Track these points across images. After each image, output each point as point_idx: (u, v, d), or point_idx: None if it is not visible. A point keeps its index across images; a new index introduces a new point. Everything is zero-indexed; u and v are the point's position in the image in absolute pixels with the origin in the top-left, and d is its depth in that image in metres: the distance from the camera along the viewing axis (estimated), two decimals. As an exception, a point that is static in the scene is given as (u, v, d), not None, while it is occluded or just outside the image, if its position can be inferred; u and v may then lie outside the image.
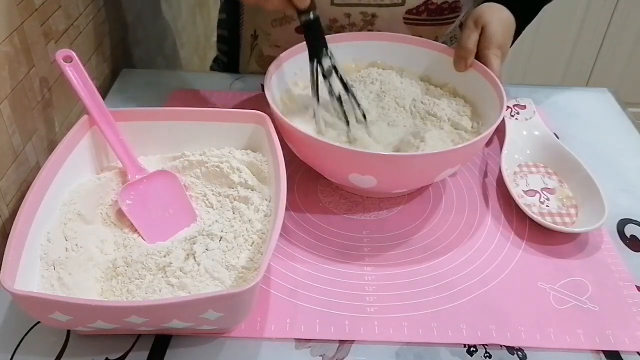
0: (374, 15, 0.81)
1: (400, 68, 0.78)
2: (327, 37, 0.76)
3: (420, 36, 0.78)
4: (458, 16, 0.85)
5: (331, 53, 0.67)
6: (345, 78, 0.68)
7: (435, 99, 0.73)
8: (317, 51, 0.66)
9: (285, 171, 0.56)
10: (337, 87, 0.67)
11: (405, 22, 0.81)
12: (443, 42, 0.78)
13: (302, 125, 0.68)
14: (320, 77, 0.67)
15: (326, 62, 0.66)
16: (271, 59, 0.71)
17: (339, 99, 0.67)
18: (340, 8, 0.80)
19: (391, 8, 0.80)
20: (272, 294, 0.57)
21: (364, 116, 0.68)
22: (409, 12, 0.80)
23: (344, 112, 0.67)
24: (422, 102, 0.73)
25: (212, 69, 1.06)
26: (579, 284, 0.59)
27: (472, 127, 0.70)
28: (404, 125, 0.70)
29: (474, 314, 0.55)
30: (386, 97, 0.73)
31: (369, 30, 0.82)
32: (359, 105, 0.68)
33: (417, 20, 0.81)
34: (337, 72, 0.67)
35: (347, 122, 0.67)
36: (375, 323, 0.54)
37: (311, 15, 0.64)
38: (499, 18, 0.72)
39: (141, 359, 0.51)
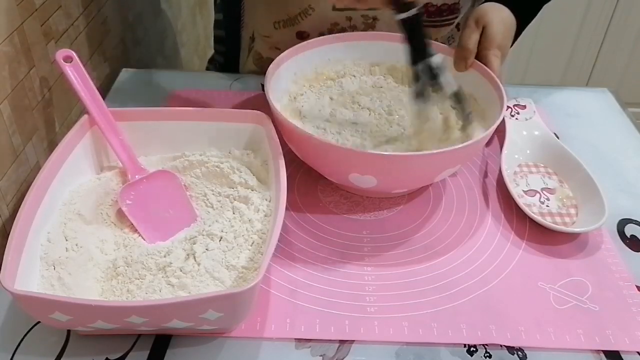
0: (375, 19, 0.81)
1: (400, 68, 0.78)
2: (327, 36, 0.76)
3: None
4: (457, 17, 0.85)
5: (434, 51, 0.60)
6: (449, 77, 0.62)
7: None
8: (423, 49, 0.59)
9: (285, 171, 0.56)
10: (450, 83, 0.62)
11: None
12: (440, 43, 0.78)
13: (302, 125, 0.68)
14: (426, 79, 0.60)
15: (435, 60, 0.60)
16: (270, 61, 0.71)
17: (457, 94, 0.62)
18: (342, 12, 0.80)
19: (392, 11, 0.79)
20: (272, 294, 0.57)
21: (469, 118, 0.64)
22: None
23: (463, 109, 0.63)
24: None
25: (208, 69, 1.06)
26: (579, 284, 0.59)
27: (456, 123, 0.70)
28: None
29: (474, 314, 0.55)
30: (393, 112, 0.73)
31: None
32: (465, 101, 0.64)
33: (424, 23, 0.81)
34: (444, 69, 0.61)
35: (469, 119, 0.62)
36: (375, 323, 0.54)
37: (412, 12, 0.56)
38: (500, 18, 0.72)
39: (141, 359, 0.51)
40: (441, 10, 0.81)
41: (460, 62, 0.72)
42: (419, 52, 0.59)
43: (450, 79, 0.62)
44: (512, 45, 0.76)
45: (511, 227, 0.65)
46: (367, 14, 0.80)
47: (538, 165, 0.73)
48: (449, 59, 0.74)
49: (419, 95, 0.61)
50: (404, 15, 0.56)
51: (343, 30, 0.82)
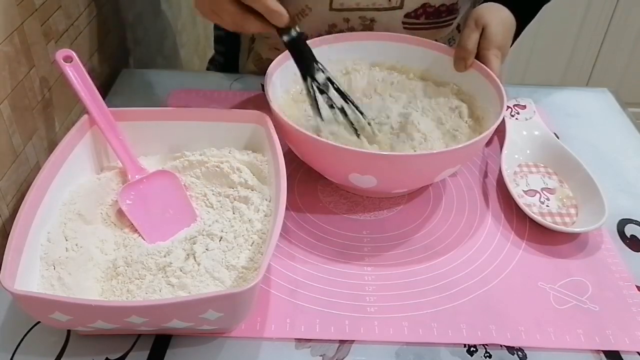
0: (372, 20, 0.81)
1: (400, 68, 0.78)
2: (327, 36, 0.76)
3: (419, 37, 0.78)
4: (456, 18, 0.85)
5: (322, 66, 0.64)
6: (343, 88, 0.66)
7: (433, 98, 0.74)
8: (308, 68, 0.63)
9: (285, 171, 0.56)
10: (336, 98, 0.65)
11: (404, 27, 0.81)
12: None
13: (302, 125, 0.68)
14: (318, 94, 0.64)
15: (320, 77, 0.64)
16: (271, 61, 0.71)
17: (343, 110, 0.65)
18: (339, 13, 0.80)
19: (390, 12, 0.79)
20: (272, 294, 0.57)
21: (369, 124, 0.66)
22: (407, 15, 0.80)
23: (352, 123, 0.65)
24: (420, 101, 0.73)
25: (208, 69, 1.06)
26: (579, 284, 0.59)
27: (466, 122, 0.70)
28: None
29: (474, 314, 0.55)
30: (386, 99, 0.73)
31: None
32: (362, 113, 0.66)
33: (415, 24, 0.81)
34: (333, 84, 0.65)
35: (357, 133, 0.65)
36: (375, 323, 0.54)
37: (293, 32, 0.61)
38: (500, 18, 0.72)
39: (141, 359, 0.51)
40: (439, 11, 0.81)
41: (460, 62, 0.72)
42: (306, 69, 0.63)
43: (336, 94, 0.65)
44: (511, 45, 0.76)
45: (511, 227, 0.65)
46: (364, 15, 0.80)
47: (538, 165, 0.73)
48: (448, 58, 0.74)
49: (312, 107, 0.65)
50: (286, 38, 0.61)
51: (341, 31, 0.81)
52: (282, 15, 0.58)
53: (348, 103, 0.66)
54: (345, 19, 0.81)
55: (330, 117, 0.66)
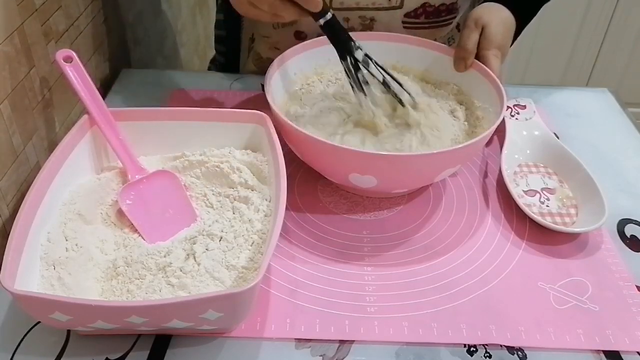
0: (372, 19, 0.81)
1: (400, 68, 0.78)
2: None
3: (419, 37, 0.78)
4: (455, 17, 0.85)
5: (359, 43, 0.66)
6: (381, 63, 0.67)
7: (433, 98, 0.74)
8: (346, 46, 0.65)
9: (285, 171, 0.56)
10: (377, 73, 0.67)
11: (403, 26, 0.81)
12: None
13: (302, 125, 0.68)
14: (361, 71, 0.66)
15: (359, 54, 0.65)
16: (270, 61, 0.71)
17: (385, 83, 0.67)
18: (339, 12, 0.80)
19: (389, 11, 0.79)
20: (272, 294, 0.57)
21: (409, 94, 0.68)
22: (407, 15, 0.80)
23: (395, 94, 0.67)
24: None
25: (209, 69, 1.06)
26: (579, 284, 0.59)
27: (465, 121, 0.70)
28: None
29: (474, 314, 0.55)
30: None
31: None
32: (401, 85, 0.68)
33: (415, 24, 0.81)
34: (371, 59, 0.66)
35: (402, 103, 0.66)
36: (375, 323, 0.54)
37: (328, 16, 0.63)
38: (499, 18, 0.72)
39: (141, 359, 0.51)
40: (439, 10, 0.81)
41: (460, 63, 0.72)
42: (343, 49, 0.65)
43: (375, 69, 0.67)
44: (511, 45, 0.76)
45: (511, 227, 0.65)
46: (364, 15, 0.80)
47: (538, 165, 0.73)
48: (448, 58, 0.74)
49: (354, 87, 0.66)
50: (322, 21, 0.63)
51: None
52: (317, 1, 0.60)
53: (390, 77, 0.67)
54: (345, 18, 0.81)
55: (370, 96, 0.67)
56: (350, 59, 0.65)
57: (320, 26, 0.63)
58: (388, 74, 0.67)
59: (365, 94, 0.66)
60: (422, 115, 0.67)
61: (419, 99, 0.69)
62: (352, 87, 0.66)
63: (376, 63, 0.67)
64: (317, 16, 0.62)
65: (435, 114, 0.69)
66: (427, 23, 0.82)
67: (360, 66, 0.65)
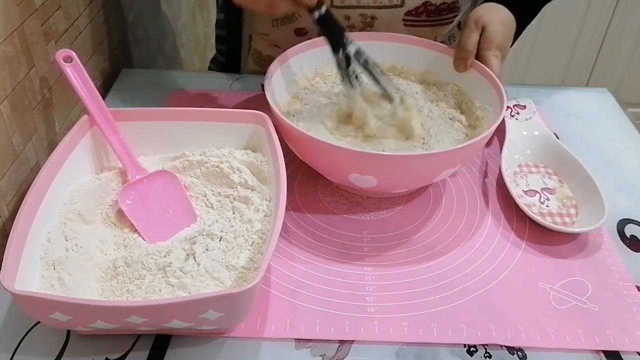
0: (373, 17, 0.81)
1: (400, 68, 0.78)
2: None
3: (419, 37, 0.78)
4: (456, 16, 0.85)
5: (351, 38, 0.67)
6: (372, 59, 0.68)
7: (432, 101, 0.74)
8: (339, 40, 0.66)
9: (285, 171, 0.56)
10: (368, 68, 0.68)
11: (404, 24, 0.81)
12: (442, 42, 0.78)
13: (302, 125, 0.68)
14: (353, 66, 0.67)
15: (352, 47, 0.66)
16: (271, 58, 0.71)
17: (374, 77, 0.68)
18: (340, 10, 0.80)
19: (390, 10, 0.80)
20: (272, 294, 0.57)
21: (398, 89, 0.69)
22: (408, 13, 0.80)
23: (384, 89, 0.68)
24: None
25: (210, 69, 1.06)
26: (579, 284, 0.59)
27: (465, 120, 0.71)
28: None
29: (474, 314, 0.55)
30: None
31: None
32: (390, 82, 0.69)
33: (416, 22, 0.81)
34: (362, 54, 0.67)
35: (390, 98, 0.68)
36: (375, 323, 0.54)
37: (322, 9, 0.63)
38: (500, 18, 0.72)
39: (141, 359, 0.51)
40: (440, 9, 0.81)
41: (460, 63, 0.72)
42: (336, 43, 0.66)
43: (366, 64, 0.68)
44: (511, 46, 0.76)
45: (511, 227, 0.65)
46: (365, 13, 0.80)
47: (538, 165, 0.73)
48: (448, 58, 0.74)
49: (344, 80, 0.67)
50: (317, 14, 0.63)
51: None
52: None
53: (379, 72, 0.68)
54: (346, 16, 0.81)
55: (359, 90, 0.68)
56: (341, 52, 0.66)
57: (314, 20, 0.64)
58: (379, 70, 0.68)
59: (352, 86, 0.67)
60: (410, 113, 0.68)
61: (406, 98, 0.70)
62: (342, 79, 0.68)
63: (367, 58, 0.68)
64: (311, 10, 0.63)
65: (433, 121, 0.69)
66: (428, 21, 0.82)
67: (352, 60, 0.66)
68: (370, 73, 0.68)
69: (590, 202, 0.65)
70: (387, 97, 0.68)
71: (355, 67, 0.67)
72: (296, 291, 0.57)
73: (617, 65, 1.95)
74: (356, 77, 0.67)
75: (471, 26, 0.72)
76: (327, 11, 0.64)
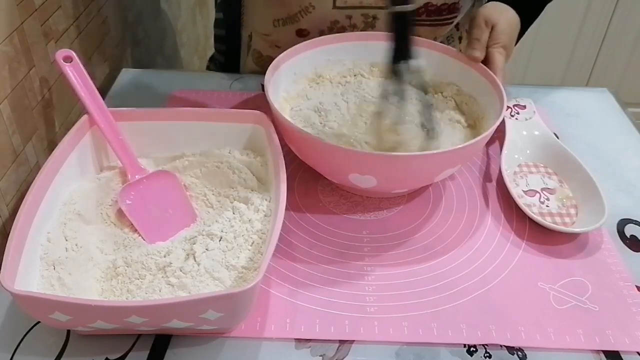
0: (375, 17, 0.81)
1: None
2: (327, 36, 0.76)
3: (419, 37, 0.78)
4: (456, 17, 0.85)
5: (418, 55, 0.58)
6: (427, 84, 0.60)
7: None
8: (407, 50, 0.57)
9: (285, 171, 0.56)
10: (417, 93, 0.61)
11: None
12: (440, 43, 0.78)
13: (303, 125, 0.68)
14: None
15: (413, 63, 0.57)
16: (271, 59, 0.71)
17: (428, 106, 0.62)
18: (342, 11, 0.80)
19: None
20: (272, 294, 0.57)
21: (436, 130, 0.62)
22: None
23: (429, 122, 0.61)
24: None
25: (208, 68, 1.06)
26: (579, 284, 0.59)
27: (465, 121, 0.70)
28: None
29: (474, 314, 0.55)
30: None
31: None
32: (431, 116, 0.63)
33: (416, 22, 0.81)
34: (421, 74, 0.60)
35: (429, 133, 0.61)
36: (375, 323, 0.54)
37: (411, 6, 0.54)
38: (506, 18, 0.73)
39: (141, 359, 0.51)
40: (441, 9, 0.81)
41: (474, 52, 0.71)
42: (402, 51, 0.57)
43: (425, 82, 0.59)
44: (515, 46, 0.76)
45: (511, 227, 0.65)
46: (367, 13, 0.80)
47: (538, 165, 0.73)
48: (449, 59, 0.74)
49: (396, 93, 0.60)
50: (398, 8, 0.54)
51: (343, 28, 0.82)
52: None
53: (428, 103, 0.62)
54: (348, 17, 0.81)
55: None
56: (398, 65, 0.57)
57: (392, 15, 0.55)
58: (430, 103, 0.60)
59: (403, 99, 0.60)
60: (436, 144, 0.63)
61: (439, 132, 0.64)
62: (386, 93, 0.60)
63: (424, 83, 0.61)
64: (397, 1, 0.54)
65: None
66: (428, 21, 0.82)
67: (403, 77, 0.58)
68: (420, 102, 0.62)
69: (590, 202, 0.65)
70: (427, 129, 0.61)
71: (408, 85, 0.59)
72: (296, 291, 0.57)
73: (617, 65, 1.95)
74: (403, 97, 0.60)
75: (481, 25, 0.72)
76: (412, 11, 0.54)
